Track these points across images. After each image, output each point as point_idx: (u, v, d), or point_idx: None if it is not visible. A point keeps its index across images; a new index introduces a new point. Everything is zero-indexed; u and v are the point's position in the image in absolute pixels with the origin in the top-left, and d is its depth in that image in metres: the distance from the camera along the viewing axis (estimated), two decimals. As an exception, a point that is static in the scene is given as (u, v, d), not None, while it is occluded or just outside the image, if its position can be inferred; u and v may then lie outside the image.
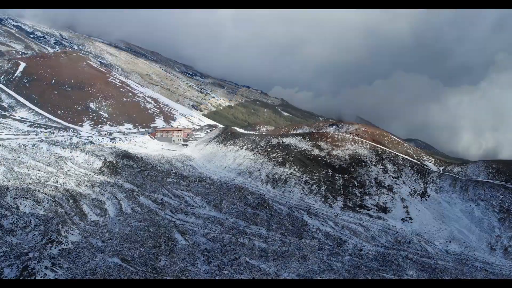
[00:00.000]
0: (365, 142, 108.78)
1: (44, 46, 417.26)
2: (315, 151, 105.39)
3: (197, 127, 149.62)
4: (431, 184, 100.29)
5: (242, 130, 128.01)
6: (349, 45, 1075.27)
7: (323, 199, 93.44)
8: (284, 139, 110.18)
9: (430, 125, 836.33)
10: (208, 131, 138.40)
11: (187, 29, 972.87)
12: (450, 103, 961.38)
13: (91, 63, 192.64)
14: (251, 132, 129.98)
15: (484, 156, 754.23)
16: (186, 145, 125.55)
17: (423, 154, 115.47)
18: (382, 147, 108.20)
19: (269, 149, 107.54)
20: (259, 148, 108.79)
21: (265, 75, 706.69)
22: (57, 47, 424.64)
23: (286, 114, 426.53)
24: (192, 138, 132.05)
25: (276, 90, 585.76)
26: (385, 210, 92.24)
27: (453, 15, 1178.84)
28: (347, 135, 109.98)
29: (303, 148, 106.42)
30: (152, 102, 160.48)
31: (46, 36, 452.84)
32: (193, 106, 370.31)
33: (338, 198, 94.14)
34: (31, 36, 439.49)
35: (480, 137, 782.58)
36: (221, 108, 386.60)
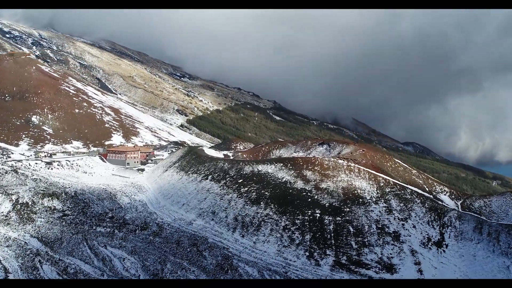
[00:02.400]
0: (363, 170, 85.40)
1: (19, 46, 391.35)
2: (299, 184, 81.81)
3: (164, 144, 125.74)
4: (450, 228, 76.95)
5: (211, 151, 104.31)
6: (347, 45, 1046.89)
7: (307, 254, 69.84)
8: (260, 167, 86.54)
9: (428, 126, 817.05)
10: (173, 150, 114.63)
11: (176, 29, 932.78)
12: (450, 104, 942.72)
13: (42, 67, 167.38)
14: (223, 154, 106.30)
15: (481, 158, 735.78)
16: (143, 170, 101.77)
17: (435, 184, 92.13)
18: (385, 177, 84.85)
19: (240, 181, 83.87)
20: (227, 179, 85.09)
21: (258, 76, 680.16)
22: (34, 47, 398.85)
23: (278, 118, 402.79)
24: (151, 160, 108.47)
25: (269, 92, 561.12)
26: (390, 268, 68.80)
27: (459, 17, 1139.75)
28: (340, 161, 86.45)
29: (284, 180, 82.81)
30: (112, 113, 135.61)
31: (24, 36, 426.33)
32: (178, 110, 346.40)
33: (328, 251, 70.56)
34: (7, 36, 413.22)
35: (477, 138, 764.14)
36: (208, 112, 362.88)
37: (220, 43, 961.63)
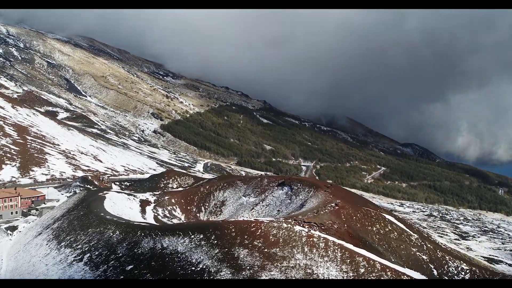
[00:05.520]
0: (333, 244, 52.88)
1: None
2: (224, 274, 49.16)
3: (80, 175, 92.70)
4: None
5: (119, 199, 71.17)
6: (344, 43, 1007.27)
7: None
8: (167, 241, 54.08)
9: (428, 124, 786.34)
10: (77, 190, 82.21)
11: (159, 24, 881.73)
12: (452, 101, 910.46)
13: None
14: (141, 199, 73.04)
15: (481, 156, 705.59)
16: (15, 227, 69.37)
17: (447, 258, 59.36)
18: (368, 256, 52.38)
19: (129, 268, 51.45)
20: (111, 263, 52.84)
21: (247, 75, 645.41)
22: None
23: (265, 121, 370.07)
24: (37, 209, 76.25)
25: (260, 91, 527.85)
26: None
27: (470, 18, 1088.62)
28: (297, 229, 53.92)
29: (200, 267, 50.21)
30: (14, 133, 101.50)
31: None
32: (153, 114, 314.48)
33: None
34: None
35: (478, 135, 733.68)
36: (188, 115, 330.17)
37: (206, 39, 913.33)
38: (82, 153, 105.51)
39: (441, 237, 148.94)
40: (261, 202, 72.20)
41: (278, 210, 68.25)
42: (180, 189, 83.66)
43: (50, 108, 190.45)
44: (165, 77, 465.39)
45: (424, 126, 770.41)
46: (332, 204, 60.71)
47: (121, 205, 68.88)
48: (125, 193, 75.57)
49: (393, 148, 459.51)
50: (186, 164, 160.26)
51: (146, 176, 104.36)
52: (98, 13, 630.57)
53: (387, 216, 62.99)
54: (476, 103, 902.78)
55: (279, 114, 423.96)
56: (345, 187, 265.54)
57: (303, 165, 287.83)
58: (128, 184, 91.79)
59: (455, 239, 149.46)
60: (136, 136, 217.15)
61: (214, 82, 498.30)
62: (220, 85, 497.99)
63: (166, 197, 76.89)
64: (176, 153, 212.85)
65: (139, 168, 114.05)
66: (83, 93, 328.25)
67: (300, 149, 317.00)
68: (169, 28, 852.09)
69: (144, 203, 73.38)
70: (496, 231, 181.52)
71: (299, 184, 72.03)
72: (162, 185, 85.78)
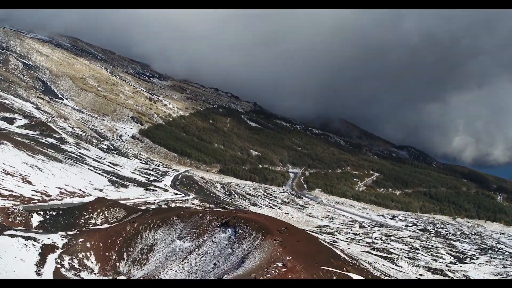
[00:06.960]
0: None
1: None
2: None
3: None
4: None
5: (15, 244, 54.50)
6: (341, 43, 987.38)
7: None
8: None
9: (425, 125, 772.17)
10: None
11: (146, 23, 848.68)
12: (450, 101, 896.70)
13: None
14: (44, 244, 56.20)
15: (477, 158, 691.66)
16: None
17: None
18: None
19: None
20: None
21: (238, 75, 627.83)
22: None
23: (253, 124, 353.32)
24: None
25: (251, 92, 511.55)
26: None
27: (468, 20, 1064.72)
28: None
29: None
30: None
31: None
32: (132, 118, 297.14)
33: None
34: None
35: (474, 135, 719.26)
36: (170, 119, 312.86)
37: (195, 38, 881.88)
38: (8, 173, 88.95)
39: (435, 260, 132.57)
40: (196, 250, 55.27)
41: (215, 264, 51.43)
42: (106, 226, 66.79)
43: (7, 115, 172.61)
44: (151, 78, 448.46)
45: (421, 128, 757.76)
46: (279, 265, 43.88)
47: (8, 257, 51.82)
48: (23, 236, 58.57)
49: (388, 151, 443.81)
50: (152, 178, 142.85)
51: (88, 199, 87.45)
52: (83, 12, 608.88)
53: (356, 278, 46.29)
54: (473, 103, 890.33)
55: (269, 117, 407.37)
56: (335, 196, 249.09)
57: (290, 172, 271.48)
58: (54, 214, 75.08)
59: (451, 263, 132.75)
60: (105, 144, 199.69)
61: (203, 83, 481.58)
62: (209, 86, 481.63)
63: (80, 240, 59.80)
64: (148, 162, 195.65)
65: (80, 190, 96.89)
66: (60, 96, 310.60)
67: (288, 154, 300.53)
68: (157, 27, 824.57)
69: (46, 250, 56.31)
70: (496, 249, 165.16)
71: (245, 227, 54.98)
72: (82, 220, 68.55)
